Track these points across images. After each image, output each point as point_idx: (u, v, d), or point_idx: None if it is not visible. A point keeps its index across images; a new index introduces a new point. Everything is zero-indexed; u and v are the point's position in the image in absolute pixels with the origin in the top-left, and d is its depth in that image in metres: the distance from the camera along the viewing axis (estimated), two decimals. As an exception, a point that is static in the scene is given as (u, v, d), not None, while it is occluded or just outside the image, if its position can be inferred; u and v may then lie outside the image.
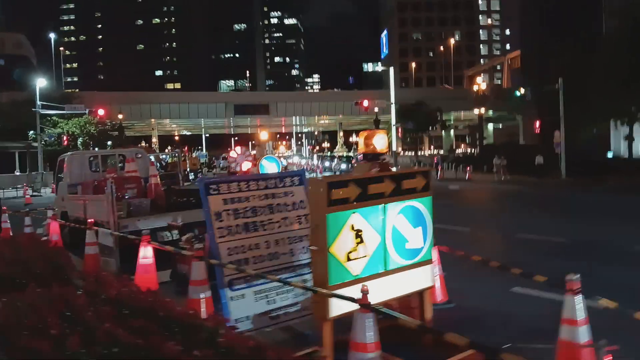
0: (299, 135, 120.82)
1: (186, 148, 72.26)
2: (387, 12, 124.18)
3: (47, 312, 3.74)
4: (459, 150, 74.41)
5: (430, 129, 60.89)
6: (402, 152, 58.76)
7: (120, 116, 55.16)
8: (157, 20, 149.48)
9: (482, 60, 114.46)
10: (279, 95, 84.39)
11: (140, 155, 14.94)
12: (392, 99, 47.36)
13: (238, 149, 9.96)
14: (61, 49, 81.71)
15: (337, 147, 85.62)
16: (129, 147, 24.31)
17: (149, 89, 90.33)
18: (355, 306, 3.97)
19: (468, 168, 36.52)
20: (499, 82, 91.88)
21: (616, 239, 11.64)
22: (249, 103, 74.50)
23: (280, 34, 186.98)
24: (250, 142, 73.45)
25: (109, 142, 49.77)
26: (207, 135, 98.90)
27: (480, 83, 46.89)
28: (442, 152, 69.39)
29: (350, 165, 44.61)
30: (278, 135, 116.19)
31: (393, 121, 47.94)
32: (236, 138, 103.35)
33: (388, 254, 4.88)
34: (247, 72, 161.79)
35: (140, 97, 67.73)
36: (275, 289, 5.76)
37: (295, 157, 76.76)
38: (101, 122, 50.06)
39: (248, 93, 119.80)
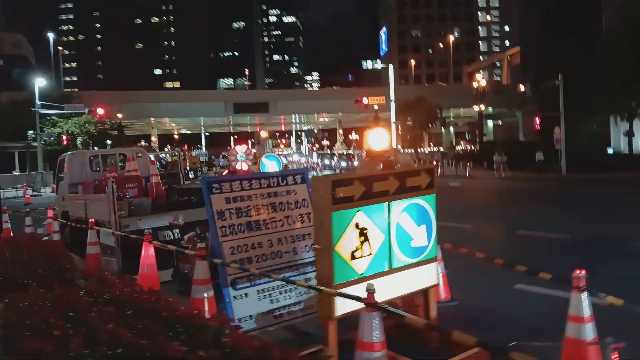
0: (299, 133, 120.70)
1: (186, 147, 72.15)
2: (386, 8, 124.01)
3: (50, 312, 3.71)
4: (458, 147, 74.29)
5: (430, 126, 60.87)
6: (401, 149, 58.68)
7: (119, 115, 55.06)
8: (156, 19, 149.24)
9: (481, 56, 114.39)
10: (278, 93, 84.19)
11: (140, 155, 14.92)
12: (392, 96, 47.28)
13: (239, 147, 9.93)
14: (60, 48, 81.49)
15: (336, 144, 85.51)
16: (129, 146, 24.29)
17: (148, 88, 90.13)
18: (360, 305, 3.94)
19: (468, 165, 36.50)
20: (498, 78, 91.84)
21: (617, 236, 11.61)
22: (249, 101, 74.30)
23: (279, 32, 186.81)
24: (249, 141, 73.39)
25: (109, 142, 49.70)
26: (207, 133, 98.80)
27: (480, 80, 46.73)
28: (441, 149, 69.26)
29: (350, 163, 44.61)
30: (277, 134, 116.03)
31: (393, 118, 47.87)
32: (236, 136, 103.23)
33: (393, 252, 4.85)
34: (247, 70, 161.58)
35: (140, 96, 67.54)
36: (279, 287, 5.74)
37: (295, 155, 76.65)
38: (101, 121, 49.97)
39: (248, 91, 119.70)
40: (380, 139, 5.28)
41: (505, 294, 7.40)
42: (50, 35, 65.03)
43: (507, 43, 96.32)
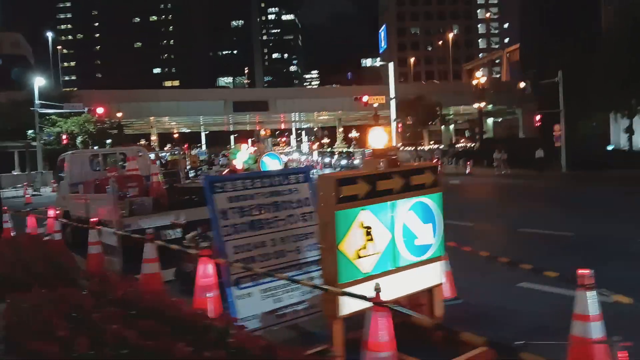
0: (298, 131, 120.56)
1: (186, 146, 72.00)
2: (385, 6, 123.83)
3: (53, 313, 3.68)
4: (458, 145, 74.23)
5: (429, 123, 60.84)
6: (402, 147, 58.70)
7: (119, 114, 54.94)
8: (155, 18, 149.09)
9: (480, 54, 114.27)
10: (278, 92, 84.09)
11: (141, 154, 14.89)
12: (392, 94, 47.26)
13: (246, 147, 9.90)
14: (59, 47, 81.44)
15: (336, 142, 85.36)
16: (129, 145, 24.25)
17: (147, 87, 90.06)
18: (366, 304, 3.91)
19: (468, 162, 36.48)
20: (497, 75, 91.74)
21: (617, 235, 11.57)
22: (248, 100, 74.23)
23: (278, 30, 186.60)
24: (249, 140, 73.20)
25: (108, 141, 49.63)
26: (207, 132, 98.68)
27: (480, 77, 46.64)
28: (442, 146, 69.24)
29: (349, 161, 44.53)
30: (277, 132, 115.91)
31: (393, 116, 47.84)
32: (236, 135, 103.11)
33: (398, 251, 4.82)
34: (246, 68, 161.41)
35: (139, 95, 67.46)
36: (282, 287, 5.70)
37: (295, 153, 76.51)
38: (100, 120, 49.85)
39: (247, 90, 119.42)
40: (382, 137, 5.24)
41: (509, 292, 7.38)
42: (49, 35, 64.96)
43: (506, 40, 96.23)
